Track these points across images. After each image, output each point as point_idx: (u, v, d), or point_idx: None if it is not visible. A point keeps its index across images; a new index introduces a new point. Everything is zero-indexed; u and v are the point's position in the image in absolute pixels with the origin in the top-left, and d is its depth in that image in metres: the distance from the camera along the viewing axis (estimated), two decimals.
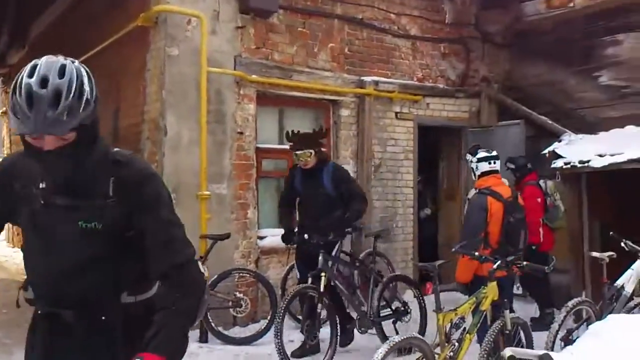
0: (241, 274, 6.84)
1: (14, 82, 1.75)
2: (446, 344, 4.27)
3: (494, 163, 5.59)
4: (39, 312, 1.98)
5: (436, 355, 4.20)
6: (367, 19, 8.25)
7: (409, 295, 6.80)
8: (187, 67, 6.74)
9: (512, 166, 7.39)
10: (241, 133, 7.13)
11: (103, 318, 1.93)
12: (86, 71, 1.83)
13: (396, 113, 8.43)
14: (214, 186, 6.85)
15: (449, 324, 4.31)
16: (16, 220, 1.99)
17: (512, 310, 4.86)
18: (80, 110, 1.73)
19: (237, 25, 7.12)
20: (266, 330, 6.51)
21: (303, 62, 7.65)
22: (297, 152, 5.98)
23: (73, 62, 1.81)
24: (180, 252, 1.94)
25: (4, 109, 13.97)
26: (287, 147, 7.77)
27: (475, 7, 9.18)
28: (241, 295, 6.72)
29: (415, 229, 8.56)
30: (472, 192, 6.07)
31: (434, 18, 8.89)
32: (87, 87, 1.77)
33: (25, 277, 2.03)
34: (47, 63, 1.76)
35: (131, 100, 7.46)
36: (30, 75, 1.71)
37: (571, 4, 8.18)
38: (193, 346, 3.48)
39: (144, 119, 7.05)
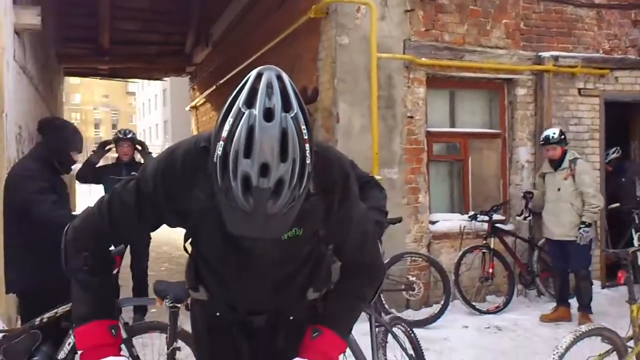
0: (413, 258, 6.82)
1: (219, 147, 1.40)
2: None
3: None
4: (217, 314, 1.95)
5: (629, 349, 3.85)
6: None
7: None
8: (358, 54, 6.82)
9: None
10: (411, 117, 7.08)
11: (291, 318, 1.93)
12: (304, 117, 1.44)
13: (579, 89, 7.83)
14: (385, 171, 6.88)
15: None
16: (180, 225, 1.81)
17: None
18: (302, 189, 1.43)
19: (406, 9, 7.06)
20: (440, 314, 6.51)
21: (475, 42, 7.39)
22: None
23: (288, 114, 1.41)
24: (375, 245, 1.96)
25: (192, 103, 15.24)
26: (459, 129, 7.63)
27: None
28: (414, 279, 6.71)
29: (602, 213, 7.89)
30: None
31: None
32: (309, 154, 1.43)
33: (193, 277, 1.97)
34: (263, 134, 1.37)
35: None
36: (247, 155, 1.36)
37: None
38: (366, 326, 3.50)
39: (317, 107, 7.28)
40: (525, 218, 7.20)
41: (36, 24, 6.17)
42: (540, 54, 7.61)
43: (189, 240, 1.87)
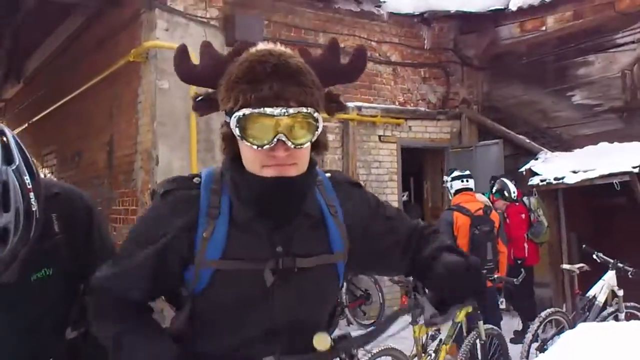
0: None
1: None
2: (422, 355, 4.53)
3: (467, 181, 6.02)
4: None
5: None
6: (349, 48, 8.59)
7: None
8: (177, 99, 7.05)
9: (494, 183, 7.68)
10: None
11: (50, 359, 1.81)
12: (29, 168, 1.54)
13: (379, 136, 8.77)
14: None
15: (425, 335, 4.58)
16: None
17: (498, 322, 5.18)
18: (32, 233, 1.53)
19: None
20: None
21: None
22: None
23: (10, 167, 1.48)
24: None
25: None
26: None
27: (453, 33, 9.57)
28: None
29: None
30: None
31: (413, 44, 9.28)
32: (34, 202, 1.52)
33: None
34: None
35: (124, 132, 7.77)
36: None
37: (543, 28, 8.57)
38: None
39: (137, 150, 7.35)
40: None
41: None
42: (346, 103, 8.42)
43: None
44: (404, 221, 1.70)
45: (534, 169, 7.72)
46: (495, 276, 4.84)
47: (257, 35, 7.57)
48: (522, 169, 7.88)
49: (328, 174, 1.65)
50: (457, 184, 5.98)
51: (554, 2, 8.34)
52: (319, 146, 1.50)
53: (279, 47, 1.50)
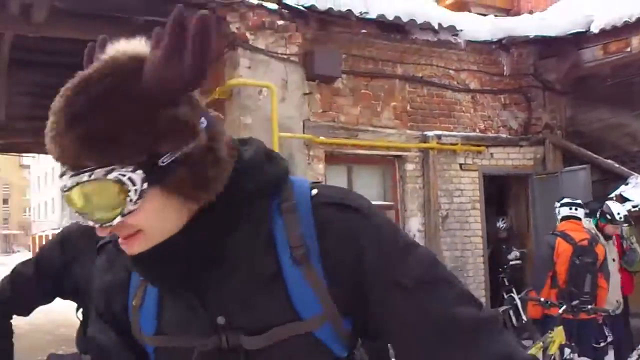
0: None
1: None
2: None
3: (575, 209, 5.89)
4: None
5: None
6: (426, 77, 8.65)
7: None
8: (260, 133, 7.27)
9: (586, 211, 7.43)
10: None
11: None
12: None
13: (460, 164, 8.69)
14: None
15: None
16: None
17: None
18: None
19: (304, 92, 7.67)
20: None
21: (367, 122, 8.10)
22: None
23: None
24: None
25: None
26: None
27: (533, 58, 9.41)
28: None
29: (486, 276, 8.65)
30: None
31: (492, 71, 9.19)
32: None
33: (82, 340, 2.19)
34: None
35: None
36: None
37: (628, 49, 8.30)
38: None
39: None
40: None
41: None
42: (425, 133, 8.43)
43: (80, 309, 2.09)
44: (437, 301, 1.01)
45: (624, 194, 7.45)
46: (589, 307, 4.67)
47: (335, 69, 7.76)
48: (612, 195, 7.60)
49: (315, 191, 1.09)
50: (565, 211, 5.87)
51: (638, 22, 8.09)
52: (186, 194, 0.95)
53: (94, 65, 0.97)
